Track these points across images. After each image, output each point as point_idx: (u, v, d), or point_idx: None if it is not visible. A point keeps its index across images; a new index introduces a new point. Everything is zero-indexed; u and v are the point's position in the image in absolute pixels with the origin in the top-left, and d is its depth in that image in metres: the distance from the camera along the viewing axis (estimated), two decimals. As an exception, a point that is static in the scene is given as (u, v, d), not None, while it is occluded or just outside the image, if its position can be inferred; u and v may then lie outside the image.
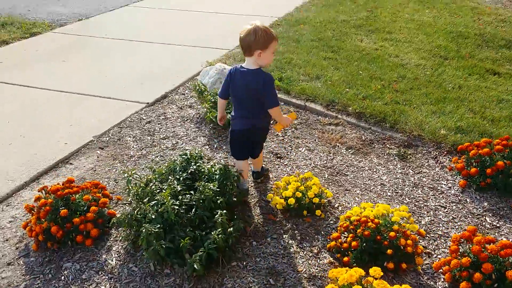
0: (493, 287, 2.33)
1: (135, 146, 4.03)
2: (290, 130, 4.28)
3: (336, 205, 3.22)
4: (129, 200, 3.13)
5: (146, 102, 4.84)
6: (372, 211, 2.78)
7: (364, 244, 2.63)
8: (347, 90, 4.89)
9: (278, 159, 3.79)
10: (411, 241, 2.61)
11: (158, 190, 2.80)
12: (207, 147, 3.97)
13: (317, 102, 4.73)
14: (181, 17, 8.13)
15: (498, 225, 3.01)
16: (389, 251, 2.55)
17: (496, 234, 2.93)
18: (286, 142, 4.07)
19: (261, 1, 9.00)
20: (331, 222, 3.06)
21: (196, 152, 3.17)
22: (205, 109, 4.39)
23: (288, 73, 5.35)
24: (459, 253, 2.52)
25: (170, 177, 2.92)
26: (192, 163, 3.04)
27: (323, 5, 8.32)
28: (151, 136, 4.18)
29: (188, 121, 4.42)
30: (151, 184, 2.88)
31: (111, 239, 2.91)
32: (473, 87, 5.02)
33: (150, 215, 2.64)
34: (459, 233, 2.65)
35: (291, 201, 3.01)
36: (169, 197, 2.66)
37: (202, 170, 3.00)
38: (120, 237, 2.89)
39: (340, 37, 6.61)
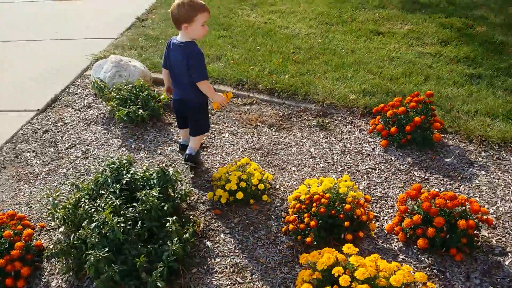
0: (446, 238, 2.49)
1: (38, 162, 3.56)
2: (206, 117, 4.10)
3: (277, 186, 3.19)
4: (54, 225, 2.75)
5: (36, 109, 4.29)
6: (318, 187, 2.79)
7: (321, 221, 2.64)
8: (252, 67, 4.83)
9: (204, 149, 3.62)
10: (363, 209, 2.67)
11: (93, 209, 2.48)
12: (123, 149, 3.65)
13: (226, 83, 4.60)
14: (49, 10, 7.29)
15: (426, 177, 3.23)
16: (346, 223, 2.59)
17: (427, 186, 3.14)
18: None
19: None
20: (278, 204, 3.02)
21: (125, 158, 2.87)
22: (110, 108, 4.01)
23: (187, 57, 5.10)
24: (407, 212, 2.65)
25: (102, 192, 2.61)
26: (124, 172, 2.75)
27: (199, -19, 8.06)
28: (54, 147, 3.72)
29: (93, 123, 4.01)
30: (82, 203, 2.55)
31: (46, 274, 2.54)
32: (364, 49, 5.29)
33: (92, 239, 2.34)
34: (403, 193, 2.78)
35: (239, 195, 2.89)
36: (111, 215, 2.37)
37: (137, 177, 2.73)
38: (57, 270, 2.53)
39: (227, 14, 6.49)
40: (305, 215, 2.69)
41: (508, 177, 3.18)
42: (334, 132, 3.83)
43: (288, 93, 4.36)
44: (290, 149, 3.62)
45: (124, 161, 2.83)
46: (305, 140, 3.74)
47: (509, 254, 2.55)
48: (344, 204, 2.64)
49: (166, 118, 4.07)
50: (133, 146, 3.67)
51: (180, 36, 2.89)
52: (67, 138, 3.81)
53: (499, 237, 2.67)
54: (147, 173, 2.78)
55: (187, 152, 3.30)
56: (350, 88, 4.36)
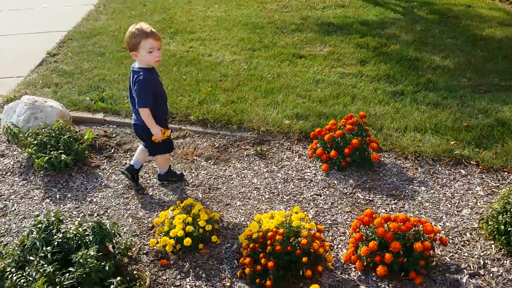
0: (403, 262, 2.47)
1: None
2: (137, 155, 3.84)
3: (225, 225, 3.02)
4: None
5: None
6: (271, 222, 2.67)
7: (277, 259, 2.51)
8: (180, 98, 4.65)
9: (140, 192, 3.37)
10: (319, 241, 2.59)
11: (23, 280, 2.15)
12: (47, 200, 3.29)
13: (154, 117, 4.36)
14: None
15: (370, 198, 3.24)
16: (304, 259, 2.48)
17: (373, 207, 3.14)
18: (141, 169, 3.64)
19: (42, 16, 7.93)
20: (229, 245, 2.85)
21: (53, 214, 2.55)
22: (28, 155, 3.62)
23: (108, 91, 4.83)
24: (362, 239, 2.60)
25: (31, 258, 2.28)
26: (54, 231, 2.43)
27: (112, 11, 7.76)
28: (-37, 205, 3.26)
29: (9, 174, 3.59)
30: (8, 274, 2.20)
31: None
32: (289, 73, 5.32)
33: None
34: (355, 220, 2.74)
35: (188, 241, 2.68)
36: (45, 285, 2.06)
37: (70, 236, 2.43)
38: None
39: (146, 43, 6.25)
40: (261, 255, 2.54)
41: (447, 191, 3.28)
42: (274, 159, 3.75)
43: (222, 122, 4.23)
44: (232, 182, 3.48)
45: (53, 218, 2.51)
46: (246, 171, 3.61)
47: (464, 270, 2.59)
48: (300, 239, 2.53)
49: (93, 160, 3.75)
50: (58, 197, 3.32)
51: (136, 63, 2.99)
52: (-21, 194, 3.36)
53: (451, 254, 2.71)
54: (80, 230, 2.49)
55: (159, 172, 3.46)
56: (283, 113, 4.33)
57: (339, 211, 3.12)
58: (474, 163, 3.54)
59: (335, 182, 3.42)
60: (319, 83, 5.05)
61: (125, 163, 3.72)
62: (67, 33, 6.76)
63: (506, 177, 3.38)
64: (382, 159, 3.65)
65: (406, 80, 5.05)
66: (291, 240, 2.56)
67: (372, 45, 6.13)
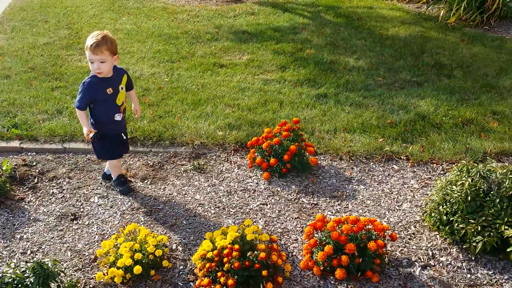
0: (360, 263, 2.54)
1: None
2: (65, 181, 3.58)
3: (173, 247, 2.90)
4: None
5: None
6: (224, 239, 2.61)
7: (236, 276, 2.45)
8: (103, 117, 4.39)
9: (75, 222, 3.13)
10: (276, 252, 2.57)
11: None
12: (-31, 244, 2.93)
13: (77, 139, 4.11)
14: None
15: (315, 202, 3.30)
16: (264, 273, 2.46)
17: (319, 210, 3.20)
18: (70, 197, 3.39)
19: None
20: (181, 267, 2.74)
21: (-17, 260, 2.27)
22: None
23: (21, 116, 4.45)
24: (317, 244, 2.63)
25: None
26: (-12, 278, 2.17)
27: (11, 30, 7.18)
28: None
29: None
30: None
31: None
32: (213, 83, 5.28)
33: None
34: (308, 226, 2.76)
35: (138, 269, 2.53)
36: None
37: (8, 280, 2.18)
38: None
39: (54, 62, 5.87)
40: (219, 274, 2.47)
41: (385, 187, 3.44)
42: (214, 173, 3.68)
43: (153, 139, 4.08)
44: (173, 200, 3.35)
45: (-15, 264, 2.23)
46: (186, 187, 3.51)
47: (416, 263, 2.72)
48: (257, 252, 2.50)
49: (15, 193, 3.42)
50: (-18, 237, 2.97)
51: None
52: None
53: (400, 248, 2.83)
54: (19, 272, 2.24)
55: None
56: (215, 125, 4.28)
57: (288, 218, 3.14)
58: (404, 157, 3.75)
59: (279, 189, 3.44)
60: (245, 91, 5.06)
61: (53, 193, 3.44)
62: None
63: (435, 169, 3.63)
64: (319, 162, 3.75)
65: (326, 82, 5.24)
66: (248, 254, 2.52)
67: (288, 50, 6.29)
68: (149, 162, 3.84)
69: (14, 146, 4.01)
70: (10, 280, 2.19)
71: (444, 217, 2.79)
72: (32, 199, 3.36)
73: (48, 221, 3.12)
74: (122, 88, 3.18)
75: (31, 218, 3.15)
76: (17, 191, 3.43)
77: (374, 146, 3.86)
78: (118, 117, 3.20)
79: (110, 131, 3.22)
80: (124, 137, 3.35)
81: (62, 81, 5.26)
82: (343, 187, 3.45)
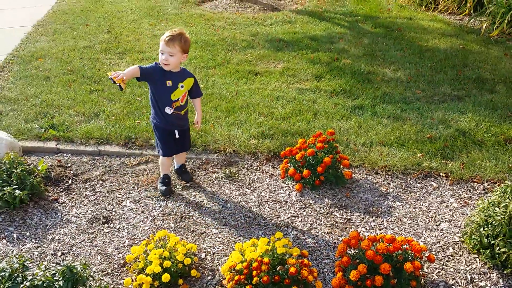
0: (395, 284, 2.43)
1: None
2: (98, 184, 3.61)
3: (202, 256, 2.86)
4: None
5: None
6: (254, 251, 2.55)
7: (265, 290, 2.39)
8: (138, 121, 4.44)
9: (106, 225, 3.13)
10: (307, 268, 2.49)
11: None
12: (4, 241, 2.99)
13: (112, 142, 4.14)
14: None
15: (348, 217, 3.20)
16: (294, 288, 2.38)
17: (352, 226, 3.10)
18: (102, 200, 3.41)
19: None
20: (210, 278, 2.70)
21: (16, 260, 2.29)
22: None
23: (58, 117, 4.53)
24: (350, 263, 2.54)
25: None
26: (19, 279, 2.18)
27: (53, 33, 7.37)
28: None
29: (-46, 215, 3.23)
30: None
31: None
32: (247, 91, 5.25)
33: None
34: (341, 243, 2.67)
35: (166, 277, 2.50)
36: None
37: (38, 283, 2.18)
38: None
39: (93, 65, 5.98)
40: (247, 287, 2.41)
41: (422, 205, 3.30)
42: (245, 181, 3.63)
43: (186, 146, 4.05)
44: (204, 208, 3.32)
45: (16, 264, 2.25)
46: (217, 195, 3.47)
47: (453, 287, 2.58)
48: (287, 267, 2.43)
49: (50, 194, 3.47)
50: (15, 236, 3.02)
51: None
52: None
53: (437, 270, 2.71)
54: (49, 275, 2.24)
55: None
56: (248, 133, 4.23)
57: (320, 233, 3.05)
58: (444, 174, 3.61)
59: (311, 202, 3.36)
60: (279, 100, 5.01)
61: (86, 195, 3.47)
62: (6, 57, 6.31)
63: (476, 188, 3.47)
64: (354, 175, 3.64)
65: (363, 93, 5.12)
66: (278, 269, 2.45)
67: (325, 60, 6.20)
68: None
69: (50, 146, 4.08)
70: (39, 283, 2.19)
71: (485, 240, 2.64)
72: (65, 200, 3.40)
73: (80, 223, 3.14)
74: (182, 87, 3.24)
75: (64, 219, 3.18)
76: (52, 192, 3.48)
77: (411, 161, 3.73)
78: (168, 110, 3.23)
79: (161, 123, 3.30)
80: (178, 135, 3.35)
81: (100, 84, 5.34)
82: (378, 203, 3.34)
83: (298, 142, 3.64)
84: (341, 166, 3.53)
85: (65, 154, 4.03)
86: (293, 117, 4.55)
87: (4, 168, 3.34)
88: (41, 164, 3.63)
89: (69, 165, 3.86)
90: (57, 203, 3.36)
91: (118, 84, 3.00)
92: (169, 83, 3.16)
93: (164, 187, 3.44)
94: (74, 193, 3.48)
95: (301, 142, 3.60)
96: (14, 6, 9.40)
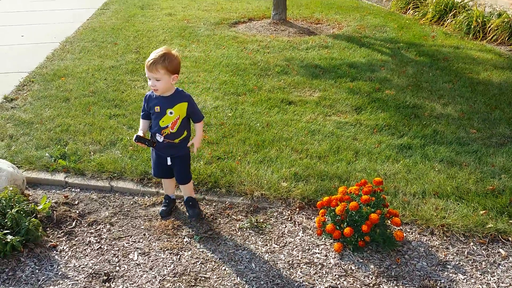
0: None
1: None
2: (105, 229, 3.14)
3: (218, 335, 2.31)
4: None
5: None
6: None
7: None
8: (157, 154, 3.96)
9: (107, 284, 2.64)
10: None
11: None
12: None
13: (126, 178, 3.69)
14: None
15: (399, 290, 2.61)
16: None
17: (405, 304, 2.51)
18: (107, 250, 2.92)
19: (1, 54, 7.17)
20: None
21: None
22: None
23: (72, 145, 4.12)
24: None
25: None
26: None
27: (80, 50, 7.10)
28: None
29: None
30: None
31: None
32: (280, 122, 4.75)
33: None
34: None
35: None
36: None
37: None
38: None
39: (117, 87, 5.60)
40: None
41: (490, 280, 2.69)
42: (273, 234, 3.09)
43: (208, 185, 3.58)
44: (223, 268, 2.79)
45: None
46: (240, 251, 2.94)
47: None
48: None
49: (48, 238, 3.01)
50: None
51: None
52: None
53: None
54: None
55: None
56: (279, 173, 3.71)
57: (364, 311, 2.47)
58: (514, 240, 2.98)
59: (353, 267, 2.79)
60: (314, 134, 4.48)
61: (89, 242, 2.99)
62: (28, 75, 6.03)
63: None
64: (405, 234, 3.05)
65: (410, 131, 4.54)
66: None
67: (365, 89, 5.67)
68: (201, 212, 3.31)
69: (58, 179, 3.67)
70: None
71: None
72: (65, 248, 2.94)
73: (77, 280, 2.66)
74: (171, 113, 2.95)
75: (59, 273, 2.71)
76: (51, 236, 3.03)
77: (473, 220, 3.11)
78: (158, 137, 3.02)
79: (156, 147, 3.09)
80: (169, 163, 3.09)
81: (121, 108, 4.95)
82: (436, 274, 2.73)
83: (339, 191, 3.08)
84: (391, 224, 2.94)
85: (73, 189, 3.60)
86: (330, 156, 4.00)
87: (-1, 206, 2.90)
88: (44, 201, 3.20)
89: (76, 202, 3.42)
90: (55, 251, 2.90)
91: (146, 144, 2.98)
92: (157, 108, 2.95)
93: (161, 208, 3.29)
94: (76, 239, 3.02)
95: (342, 191, 3.04)
96: (47, 21, 9.28)
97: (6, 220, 2.87)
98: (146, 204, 3.42)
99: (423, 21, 9.03)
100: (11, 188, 3.12)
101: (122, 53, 6.97)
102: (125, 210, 3.36)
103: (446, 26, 8.56)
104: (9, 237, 2.76)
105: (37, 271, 2.73)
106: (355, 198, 2.95)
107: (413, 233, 3.09)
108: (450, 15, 8.62)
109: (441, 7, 8.88)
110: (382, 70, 6.41)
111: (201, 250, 2.95)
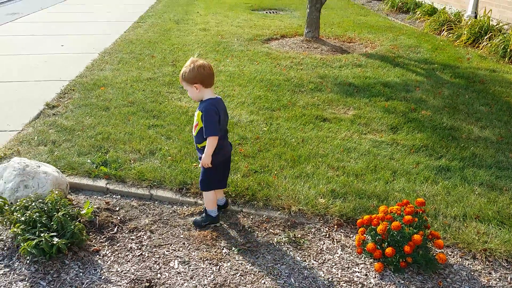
0: None
1: None
2: (145, 236, 3.19)
3: None
4: None
5: None
6: None
7: None
8: (195, 165, 4.04)
9: (148, 291, 2.67)
10: None
11: None
12: (33, 298, 2.58)
13: (165, 187, 3.75)
14: None
15: (442, 313, 2.56)
16: None
17: (449, 328, 2.46)
18: (148, 257, 2.97)
19: (41, 62, 7.42)
20: None
21: None
22: (13, 234, 2.94)
23: (112, 153, 4.21)
24: None
25: None
26: None
27: (118, 62, 7.29)
28: None
29: (-13, 258, 2.89)
30: None
31: None
32: (315, 138, 4.76)
33: None
34: None
35: None
36: None
37: None
38: None
39: (155, 98, 5.72)
40: None
41: (538, 309, 2.62)
42: (312, 251, 3.09)
43: (246, 198, 3.61)
44: (263, 281, 2.80)
45: None
46: (278, 265, 2.95)
47: None
48: None
49: (91, 242, 3.07)
50: (46, 293, 2.61)
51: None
52: None
53: None
54: None
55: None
56: (316, 189, 3.71)
57: (406, 332, 2.44)
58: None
59: (394, 288, 2.75)
60: (350, 152, 4.48)
61: (131, 248, 3.04)
62: (69, 83, 6.21)
63: None
64: (446, 257, 3.00)
65: (448, 152, 4.50)
66: None
67: (400, 109, 5.64)
68: (238, 224, 3.36)
69: (100, 185, 3.75)
70: None
71: None
72: (107, 253, 2.99)
73: (120, 286, 2.71)
74: (196, 122, 3.10)
75: (103, 278, 2.76)
76: (94, 241, 3.09)
77: (517, 246, 3.05)
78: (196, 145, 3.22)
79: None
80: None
81: (160, 119, 5.05)
82: (480, 299, 2.68)
83: (379, 210, 3.06)
84: (432, 246, 2.91)
85: (114, 196, 3.67)
86: (367, 174, 3.99)
87: (45, 208, 2.99)
88: (87, 206, 3.27)
89: (117, 208, 3.49)
90: (98, 256, 2.95)
91: None
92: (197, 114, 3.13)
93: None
94: (117, 245, 3.08)
95: (383, 210, 3.02)
96: (86, 32, 9.57)
97: (52, 223, 2.94)
98: (184, 214, 3.47)
99: (457, 43, 8.97)
100: (56, 192, 3.20)
101: (159, 66, 7.12)
102: (165, 218, 3.41)
103: (481, 49, 8.48)
104: (55, 239, 2.83)
105: (81, 274, 2.79)
106: (397, 218, 2.93)
107: (455, 256, 3.04)
108: (485, 38, 8.54)
109: (476, 29, 8.81)
110: (417, 90, 6.38)
111: (240, 262, 2.96)
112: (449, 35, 9.34)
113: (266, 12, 12.68)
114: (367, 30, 10.13)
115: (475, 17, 9.77)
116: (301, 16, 11.56)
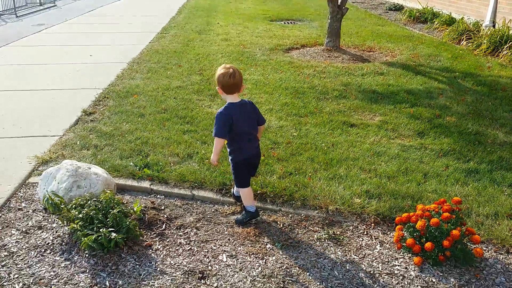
0: None
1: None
2: (192, 232, 3.37)
3: (312, 333, 2.47)
4: None
5: (-35, 234, 3.29)
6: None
7: None
8: (231, 167, 4.21)
9: (203, 281, 2.85)
10: None
11: None
12: (95, 288, 2.77)
13: (206, 188, 3.94)
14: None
15: (482, 304, 2.70)
16: None
17: (490, 317, 2.60)
18: (197, 251, 3.15)
19: (72, 71, 7.71)
20: None
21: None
22: (72, 230, 3.14)
23: (153, 156, 4.42)
24: None
25: None
26: None
27: (147, 71, 7.55)
28: (-6, 290, 2.75)
29: (49, 251, 3.10)
30: None
31: None
32: (344, 143, 4.92)
33: None
34: None
35: None
36: None
37: None
38: None
39: (186, 105, 5.94)
40: None
41: None
42: (351, 246, 3.25)
43: (284, 198, 3.78)
44: (308, 273, 2.96)
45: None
46: (321, 259, 3.11)
47: None
48: None
49: (143, 238, 3.26)
50: (107, 284, 2.81)
51: (237, 97, 3.34)
52: (16, 276, 2.85)
53: None
54: None
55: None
56: (351, 190, 3.87)
57: (448, 320, 2.57)
58: None
59: (434, 280, 2.90)
60: (380, 155, 4.63)
61: (180, 243, 3.23)
62: (102, 91, 6.47)
63: None
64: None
65: (475, 156, 4.63)
66: None
67: (426, 115, 5.79)
68: (278, 222, 3.52)
69: (144, 186, 3.95)
70: None
71: None
72: (159, 247, 3.18)
73: (175, 276, 2.89)
74: None
75: (158, 269, 2.94)
76: (145, 236, 3.28)
77: (550, 242, 3.17)
78: None
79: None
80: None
81: (193, 125, 5.25)
82: (517, 290, 2.81)
83: (417, 208, 3.22)
84: (468, 241, 3.05)
85: (158, 196, 3.86)
86: (399, 177, 4.14)
87: (100, 207, 3.20)
88: (136, 205, 3.47)
89: (163, 207, 3.68)
90: (150, 250, 3.14)
91: None
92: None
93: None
94: (168, 240, 3.26)
95: (421, 208, 3.18)
96: (113, 43, 9.88)
97: (107, 220, 3.14)
98: (226, 213, 3.65)
99: (477, 52, 9.09)
100: (108, 191, 3.41)
101: (187, 74, 7.37)
102: (208, 216, 3.59)
103: (501, 58, 8.59)
104: (113, 234, 3.03)
105: (137, 266, 2.97)
106: (435, 215, 3.08)
107: (489, 251, 3.17)
108: (505, 47, 8.65)
109: (496, 38, 8.94)
110: (440, 97, 6.52)
111: (284, 256, 3.13)
112: (468, 44, 9.47)
113: (284, 23, 12.92)
114: (386, 39, 10.30)
115: (493, 26, 9.89)
116: (319, 26, 11.78)
